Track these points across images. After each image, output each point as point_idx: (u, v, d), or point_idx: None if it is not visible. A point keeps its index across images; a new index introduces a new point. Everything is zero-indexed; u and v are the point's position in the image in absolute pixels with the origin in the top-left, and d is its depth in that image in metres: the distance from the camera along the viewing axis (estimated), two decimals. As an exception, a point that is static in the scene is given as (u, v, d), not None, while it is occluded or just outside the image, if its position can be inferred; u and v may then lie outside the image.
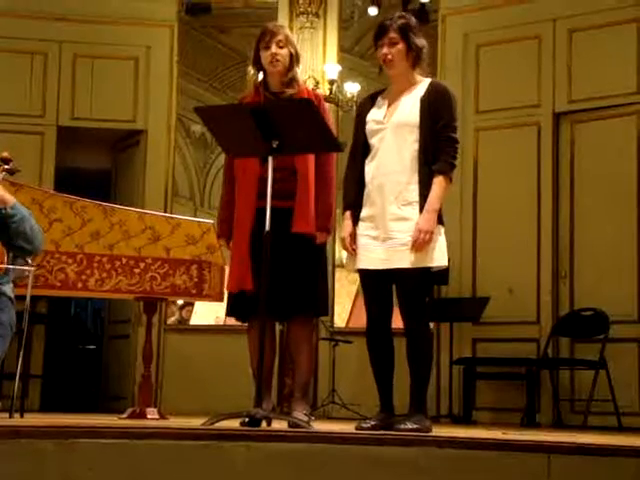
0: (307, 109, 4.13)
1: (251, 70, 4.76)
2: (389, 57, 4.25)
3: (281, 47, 4.59)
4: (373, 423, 4.11)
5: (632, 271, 7.24)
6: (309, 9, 8.37)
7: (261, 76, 4.68)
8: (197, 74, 8.76)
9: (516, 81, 7.85)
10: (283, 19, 8.23)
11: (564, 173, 7.68)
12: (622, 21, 7.46)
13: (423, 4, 8.37)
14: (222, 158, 8.37)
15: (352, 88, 8.12)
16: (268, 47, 4.59)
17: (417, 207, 4.14)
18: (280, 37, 4.60)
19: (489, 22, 8.00)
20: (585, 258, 7.50)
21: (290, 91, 4.59)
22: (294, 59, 4.63)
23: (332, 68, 8.18)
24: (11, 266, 4.50)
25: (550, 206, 7.63)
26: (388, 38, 4.24)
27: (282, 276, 4.39)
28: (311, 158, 4.51)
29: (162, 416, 5.67)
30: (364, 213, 4.26)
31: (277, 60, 4.57)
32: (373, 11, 8.44)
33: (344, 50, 8.50)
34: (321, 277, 4.57)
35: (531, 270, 7.62)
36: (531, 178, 7.72)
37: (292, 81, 4.62)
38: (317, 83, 8.05)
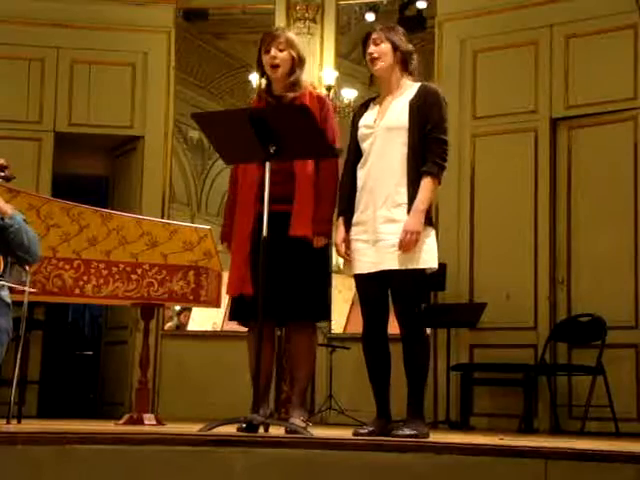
0: (303, 115, 4.13)
1: (257, 75, 4.76)
2: (374, 55, 4.31)
3: (281, 50, 4.53)
4: (370, 429, 4.11)
5: (629, 276, 7.24)
6: (306, 15, 8.37)
7: (265, 81, 4.64)
8: (194, 80, 8.79)
9: (513, 87, 7.85)
10: (280, 25, 8.21)
11: (561, 179, 7.68)
12: (618, 27, 7.47)
13: (420, 10, 8.40)
14: (219, 164, 8.44)
15: (349, 94, 8.14)
16: (268, 51, 4.55)
17: (406, 209, 4.16)
18: (281, 40, 4.55)
19: (486, 28, 8.00)
20: (582, 263, 7.49)
21: (291, 94, 4.54)
22: (296, 62, 4.56)
23: (329, 74, 8.18)
24: (6, 283, 4.49)
25: (547, 212, 7.63)
26: (372, 39, 4.34)
27: (281, 280, 4.37)
28: (310, 161, 4.45)
29: (159, 422, 5.65)
30: (356, 218, 4.29)
31: (276, 64, 4.52)
32: (370, 17, 8.46)
33: (341, 56, 8.50)
34: (322, 282, 4.50)
35: (528, 276, 7.61)
36: (528, 184, 7.71)
37: (294, 84, 4.57)
38: (314, 89, 8.04)
